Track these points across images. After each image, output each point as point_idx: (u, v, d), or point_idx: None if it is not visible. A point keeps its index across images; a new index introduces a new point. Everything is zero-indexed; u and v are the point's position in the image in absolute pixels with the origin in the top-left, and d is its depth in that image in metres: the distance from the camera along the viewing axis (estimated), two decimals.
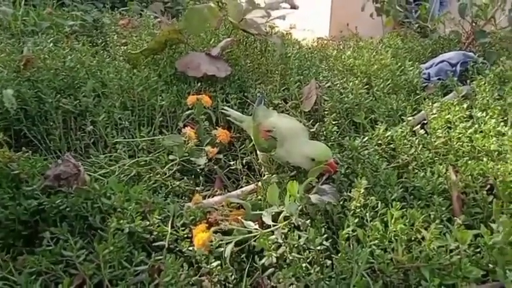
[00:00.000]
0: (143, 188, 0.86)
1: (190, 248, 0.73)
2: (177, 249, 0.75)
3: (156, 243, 0.74)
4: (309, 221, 0.79)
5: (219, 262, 0.70)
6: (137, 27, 1.97)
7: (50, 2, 2.30)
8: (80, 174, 0.76)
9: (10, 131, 1.09)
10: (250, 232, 0.76)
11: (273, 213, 0.79)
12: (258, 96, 1.14)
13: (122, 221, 0.72)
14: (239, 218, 0.80)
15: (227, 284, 0.70)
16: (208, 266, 0.68)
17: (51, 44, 1.51)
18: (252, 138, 1.05)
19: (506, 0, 1.91)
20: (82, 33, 1.93)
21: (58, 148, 1.08)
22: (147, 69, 1.24)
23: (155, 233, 0.75)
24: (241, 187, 1.00)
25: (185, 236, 0.76)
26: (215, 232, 0.74)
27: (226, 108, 1.18)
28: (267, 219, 0.77)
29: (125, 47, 1.61)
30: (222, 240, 0.72)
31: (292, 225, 0.78)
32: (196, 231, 0.74)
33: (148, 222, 0.75)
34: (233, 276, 0.70)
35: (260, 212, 0.81)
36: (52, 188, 0.77)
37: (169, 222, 0.77)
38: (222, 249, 0.72)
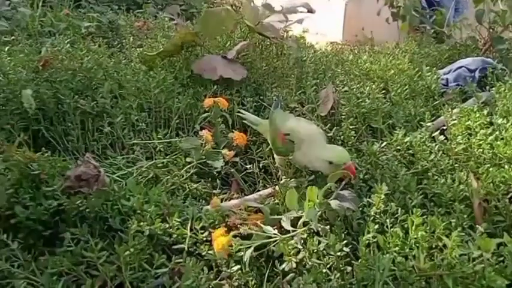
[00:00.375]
0: (161, 190, 0.86)
1: (210, 252, 0.72)
2: (197, 252, 0.74)
3: (176, 246, 0.74)
4: (328, 226, 0.78)
5: (239, 266, 0.69)
6: (152, 30, 1.99)
7: (66, 3, 2.32)
8: (100, 175, 0.77)
9: (28, 131, 1.09)
10: (269, 237, 0.75)
11: (292, 218, 0.79)
12: (274, 100, 1.14)
13: (142, 223, 0.72)
14: (258, 222, 0.79)
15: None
16: (229, 270, 0.68)
17: (68, 45, 1.52)
18: (269, 141, 1.04)
19: None
20: (98, 35, 1.94)
21: (76, 149, 1.08)
22: (164, 71, 1.24)
23: (174, 235, 0.75)
24: (258, 191, 1.00)
25: (204, 239, 0.75)
26: (234, 236, 0.73)
27: (242, 111, 1.18)
28: (286, 225, 0.76)
29: (141, 49, 1.62)
30: (241, 245, 0.71)
31: (312, 230, 0.77)
32: (216, 235, 0.73)
33: (167, 225, 0.74)
34: (253, 281, 0.69)
35: (279, 216, 0.80)
36: (72, 189, 0.77)
37: (188, 225, 0.77)
38: (242, 253, 0.72)
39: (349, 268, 0.73)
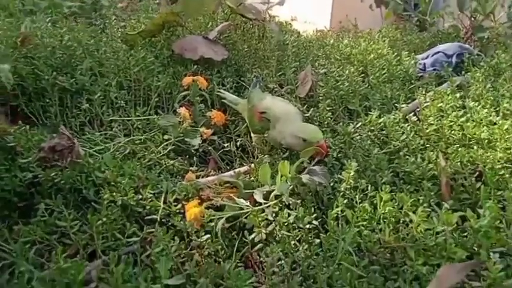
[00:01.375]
0: (137, 165, 0.87)
1: (182, 222, 0.74)
2: (170, 223, 0.76)
3: (149, 217, 0.75)
4: (299, 201, 0.80)
5: (209, 236, 0.71)
6: (136, 11, 1.97)
7: None
8: (75, 147, 0.77)
9: (6, 106, 1.09)
10: (241, 209, 0.77)
11: (265, 192, 0.81)
12: (253, 80, 1.15)
13: (115, 194, 0.73)
14: (231, 195, 0.81)
15: (217, 258, 0.71)
16: (199, 240, 0.69)
17: (50, 24, 1.51)
18: (246, 120, 1.06)
19: None
20: (81, 15, 1.92)
21: (54, 125, 1.08)
22: (144, 51, 1.24)
23: (148, 207, 0.76)
24: (235, 168, 1.01)
25: (177, 211, 0.77)
26: (207, 208, 0.75)
27: (221, 91, 1.19)
28: (259, 197, 0.78)
29: (123, 30, 1.61)
30: (213, 216, 0.73)
31: (283, 204, 0.79)
32: (189, 206, 0.75)
33: (141, 197, 0.76)
34: (223, 251, 0.71)
35: (252, 190, 0.82)
36: (47, 162, 0.78)
37: (162, 197, 0.78)
38: (213, 223, 0.74)
39: (317, 240, 0.75)
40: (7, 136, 0.83)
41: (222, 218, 0.73)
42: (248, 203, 0.78)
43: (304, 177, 0.80)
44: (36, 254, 0.68)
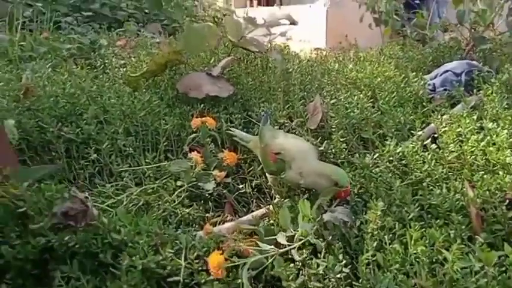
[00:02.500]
0: (153, 218, 0.84)
1: (207, 279, 0.70)
2: (193, 282, 0.72)
3: (171, 279, 0.71)
4: (324, 243, 0.76)
5: None
6: (135, 48, 1.97)
7: (46, 26, 2.29)
8: (88, 210, 0.74)
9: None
10: (266, 252, 0.73)
11: (287, 237, 0.77)
12: (262, 115, 1.12)
13: (134, 258, 0.70)
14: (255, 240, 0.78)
15: None
16: None
17: (50, 69, 1.49)
18: (260, 160, 1.03)
19: (504, 5, 1.91)
20: (80, 56, 1.92)
21: (63, 177, 1.05)
22: (149, 92, 1.22)
23: (169, 267, 0.72)
24: (252, 211, 0.98)
25: (200, 268, 0.73)
26: (230, 256, 0.72)
27: (231, 129, 1.16)
28: (282, 240, 0.75)
29: (124, 69, 1.60)
30: (237, 261, 0.70)
31: (309, 249, 0.75)
32: (211, 257, 0.72)
33: (161, 257, 0.72)
34: None
35: (274, 237, 0.79)
36: (60, 227, 0.74)
37: (183, 255, 0.74)
38: (239, 271, 0.70)
39: None
40: (16, 200, 0.80)
41: (246, 263, 0.69)
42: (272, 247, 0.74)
43: (327, 216, 0.77)
44: None
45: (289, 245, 0.75)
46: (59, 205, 0.73)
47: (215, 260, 0.72)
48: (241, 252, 0.75)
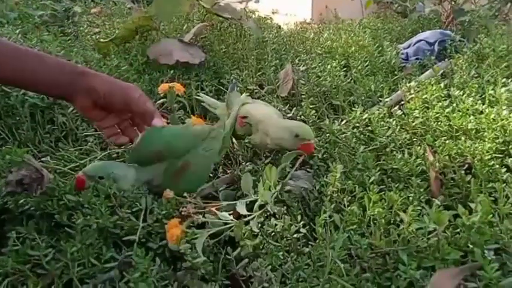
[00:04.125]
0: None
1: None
2: (149, 243, 0.72)
3: (127, 237, 0.71)
4: (284, 207, 0.77)
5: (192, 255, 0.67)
6: (110, 16, 1.92)
7: None
8: (44, 178, 0.73)
9: None
10: (225, 223, 0.73)
11: (248, 202, 0.77)
12: (231, 82, 1.11)
13: (89, 217, 0.69)
14: (214, 209, 0.77)
15: (205, 276, 0.68)
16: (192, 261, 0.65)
17: (20, 36, 1.45)
18: None
19: None
20: (53, 24, 1.87)
21: (29, 140, 1.03)
22: (118, 58, 1.20)
23: (126, 227, 0.72)
24: (218, 177, 0.98)
25: (157, 231, 0.73)
26: (189, 227, 0.71)
27: (201, 94, 1.15)
28: (242, 210, 0.75)
29: (97, 37, 1.56)
30: (196, 235, 0.69)
31: (268, 213, 0.76)
32: (170, 226, 0.71)
33: (117, 217, 0.72)
34: (209, 268, 0.68)
35: (234, 202, 0.79)
36: (15, 194, 0.73)
37: (141, 216, 0.74)
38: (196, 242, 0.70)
39: (306, 249, 0.72)
40: None
41: (203, 235, 0.69)
42: (232, 216, 0.74)
43: (288, 185, 0.77)
44: (9, 287, 0.64)
45: (249, 215, 0.75)
46: (14, 172, 0.72)
47: (174, 232, 0.71)
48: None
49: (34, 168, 0.73)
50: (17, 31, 1.51)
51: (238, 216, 0.76)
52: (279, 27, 2.00)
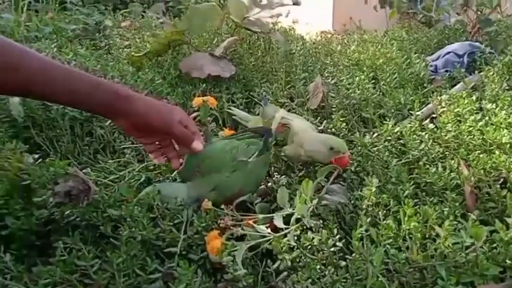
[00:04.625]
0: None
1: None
2: (190, 254, 0.74)
3: (168, 249, 0.73)
4: (320, 221, 0.78)
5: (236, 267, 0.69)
6: (139, 29, 1.97)
7: (52, 6, 2.30)
8: (91, 190, 0.76)
9: (19, 139, 1.08)
10: (263, 236, 0.75)
11: (284, 215, 0.79)
12: (263, 96, 1.13)
13: (133, 229, 0.72)
14: (251, 222, 0.79)
15: None
16: (233, 273, 0.67)
17: (55, 50, 1.50)
18: None
19: None
20: (85, 37, 1.93)
21: (68, 152, 1.07)
22: (152, 72, 1.23)
23: (167, 239, 0.74)
24: None
25: (198, 242, 0.75)
26: (228, 239, 0.73)
27: (232, 108, 1.18)
28: (279, 223, 0.76)
29: (128, 50, 1.61)
30: (235, 247, 0.71)
31: (305, 227, 0.77)
32: (210, 238, 0.73)
33: (159, 229, 0.74)
34: (249, 280, 0.69)
35: (271, 215, 0.80)
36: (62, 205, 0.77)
37: (182, 228, 0.76)
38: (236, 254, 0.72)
39: (343, 263, 0.73)
40: (21, 173, 0.82)
41: (242, 248, 0.71)
42: (269, 230, 0.76)
43: (324, 198, 0.78)
44: None
45: (286, 228, 0.77)
46: (62, 183, 0.75)
47: (214, 244, 0.73)
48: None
49: (81, 180, 0.76)
50: (53, 45, 1.57)
51: (275, 229, 0.77)
52: (303, 38, 2.02)
